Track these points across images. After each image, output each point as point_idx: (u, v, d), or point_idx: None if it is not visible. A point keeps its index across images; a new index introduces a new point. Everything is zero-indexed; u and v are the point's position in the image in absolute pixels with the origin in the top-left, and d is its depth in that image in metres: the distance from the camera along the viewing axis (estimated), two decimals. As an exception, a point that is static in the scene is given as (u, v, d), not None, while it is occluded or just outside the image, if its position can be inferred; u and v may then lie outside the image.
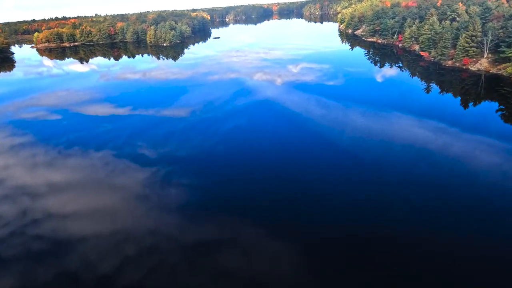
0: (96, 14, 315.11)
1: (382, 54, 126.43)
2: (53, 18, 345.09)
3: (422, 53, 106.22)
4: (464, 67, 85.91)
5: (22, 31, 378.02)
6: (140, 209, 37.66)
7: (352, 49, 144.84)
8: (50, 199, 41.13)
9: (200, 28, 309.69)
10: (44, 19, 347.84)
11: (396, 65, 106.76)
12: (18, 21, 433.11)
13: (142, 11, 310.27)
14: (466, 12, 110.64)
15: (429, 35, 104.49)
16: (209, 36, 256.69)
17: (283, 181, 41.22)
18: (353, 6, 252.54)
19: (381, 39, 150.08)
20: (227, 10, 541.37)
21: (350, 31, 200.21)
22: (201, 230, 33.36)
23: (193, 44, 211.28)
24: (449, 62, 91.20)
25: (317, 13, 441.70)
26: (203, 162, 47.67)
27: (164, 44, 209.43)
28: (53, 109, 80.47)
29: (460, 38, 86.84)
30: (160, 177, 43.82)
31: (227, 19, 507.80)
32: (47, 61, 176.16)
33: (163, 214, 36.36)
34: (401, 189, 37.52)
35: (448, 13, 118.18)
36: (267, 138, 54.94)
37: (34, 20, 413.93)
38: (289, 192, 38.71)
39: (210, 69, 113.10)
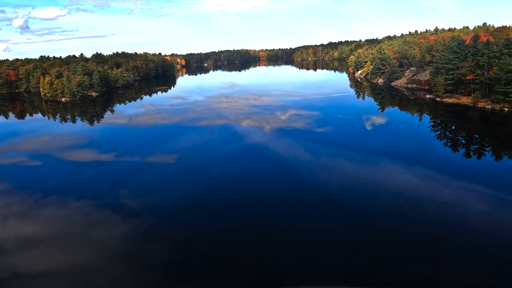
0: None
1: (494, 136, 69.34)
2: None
3: None
4: None
5: None
6: (119, 268, 34.11)
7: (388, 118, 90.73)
8: (19, 255, 37.16)
9: (158, 74, 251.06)
10: None
11: None
12: None
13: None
14: None
15: None
16: (173, 84, 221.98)
17: (273, 231, 38.42)
18: (366, 46, 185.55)
19: (488, 101, 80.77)
20: (207, 55, 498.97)
21: (380, 80, 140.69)
22: (186, 293, 30.03)
23: (119, 103, 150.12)
24: None
25: (310, 59, 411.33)
26: (189, 213, 44.70)
27: (63, 100, 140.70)
28: (34, 154, 77.08)
29: None
30: (142, 231, 40.55)
31: (205, 65, 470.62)
32: None
33: (144, 274, 32.88)
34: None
35: None
36: (255, 185, 52.74)
37: None
38: (279, 244, 35.85)
39: (199, 115, 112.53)
